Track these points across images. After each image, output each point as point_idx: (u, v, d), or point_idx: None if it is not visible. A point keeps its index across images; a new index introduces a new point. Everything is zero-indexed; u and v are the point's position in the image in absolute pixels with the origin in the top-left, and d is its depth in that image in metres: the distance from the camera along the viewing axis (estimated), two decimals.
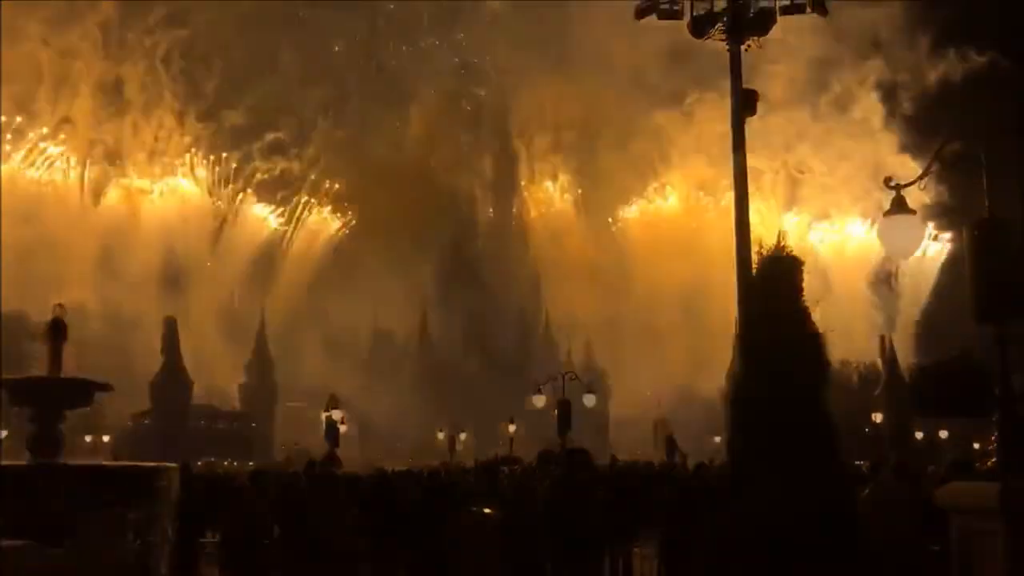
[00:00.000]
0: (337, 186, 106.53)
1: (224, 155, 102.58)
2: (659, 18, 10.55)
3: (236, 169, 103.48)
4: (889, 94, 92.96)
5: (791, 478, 4.18)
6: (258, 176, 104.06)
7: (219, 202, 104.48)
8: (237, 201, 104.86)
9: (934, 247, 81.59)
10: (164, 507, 10.72)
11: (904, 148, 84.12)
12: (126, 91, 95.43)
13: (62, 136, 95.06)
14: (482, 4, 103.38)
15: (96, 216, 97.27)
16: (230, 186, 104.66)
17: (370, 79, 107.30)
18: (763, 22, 9.71)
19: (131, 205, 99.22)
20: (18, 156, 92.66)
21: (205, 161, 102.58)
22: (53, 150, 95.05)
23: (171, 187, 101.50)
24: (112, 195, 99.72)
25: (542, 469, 14.84)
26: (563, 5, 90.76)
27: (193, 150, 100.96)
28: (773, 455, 4.28)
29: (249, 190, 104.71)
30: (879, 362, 78.30)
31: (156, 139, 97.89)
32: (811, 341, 4.47)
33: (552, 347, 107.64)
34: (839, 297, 79.82)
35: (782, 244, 4.69)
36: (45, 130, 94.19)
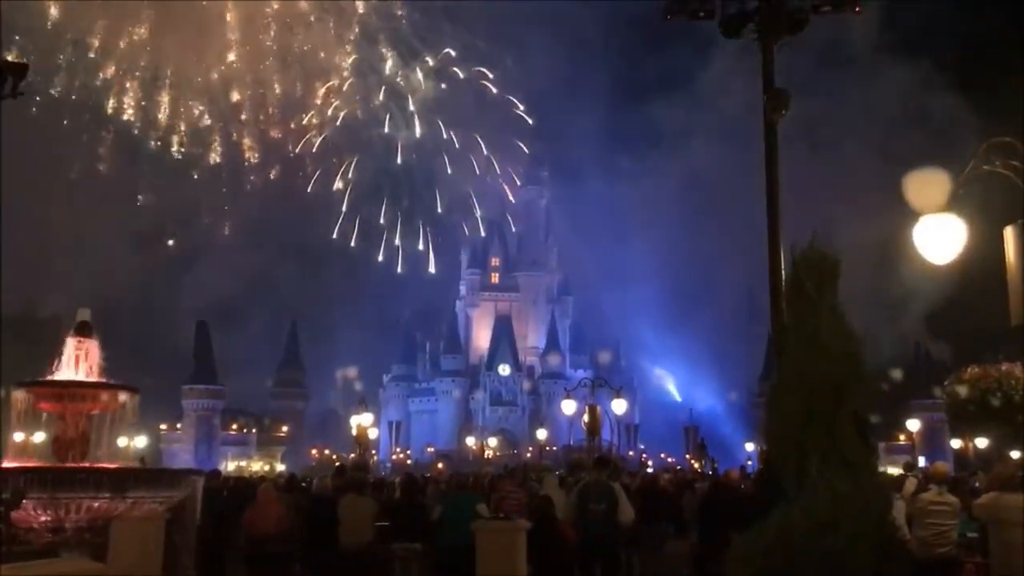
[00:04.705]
0: None
1: None
2: (688, 19, 10.29)
3: None
4: None
5: (829, 486, 4.03)
6: None
7: None
8: None
9: None
10: (190, 509, 10.71)
11: None
12: None
13: None
14: None
15: None
16: None
17: None
18: (797, 21, 9.51)
19: None
20: None
21: None
22: None
23: None
24: None
25: (572, 476, 14.69)
26: None
27: None
28: (808, 461, 4.12)
29: None
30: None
31: None
32: (849, 344, 4.29)
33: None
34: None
35: (816, 242, 4.50)
36: None
